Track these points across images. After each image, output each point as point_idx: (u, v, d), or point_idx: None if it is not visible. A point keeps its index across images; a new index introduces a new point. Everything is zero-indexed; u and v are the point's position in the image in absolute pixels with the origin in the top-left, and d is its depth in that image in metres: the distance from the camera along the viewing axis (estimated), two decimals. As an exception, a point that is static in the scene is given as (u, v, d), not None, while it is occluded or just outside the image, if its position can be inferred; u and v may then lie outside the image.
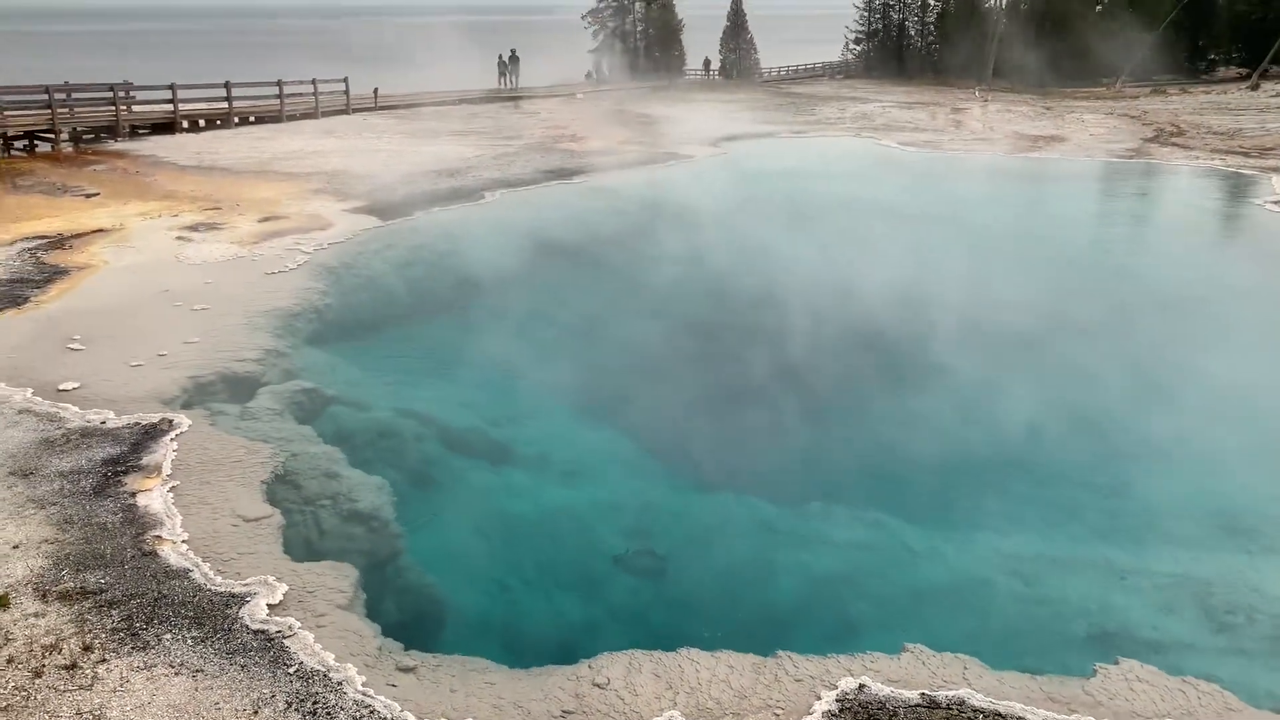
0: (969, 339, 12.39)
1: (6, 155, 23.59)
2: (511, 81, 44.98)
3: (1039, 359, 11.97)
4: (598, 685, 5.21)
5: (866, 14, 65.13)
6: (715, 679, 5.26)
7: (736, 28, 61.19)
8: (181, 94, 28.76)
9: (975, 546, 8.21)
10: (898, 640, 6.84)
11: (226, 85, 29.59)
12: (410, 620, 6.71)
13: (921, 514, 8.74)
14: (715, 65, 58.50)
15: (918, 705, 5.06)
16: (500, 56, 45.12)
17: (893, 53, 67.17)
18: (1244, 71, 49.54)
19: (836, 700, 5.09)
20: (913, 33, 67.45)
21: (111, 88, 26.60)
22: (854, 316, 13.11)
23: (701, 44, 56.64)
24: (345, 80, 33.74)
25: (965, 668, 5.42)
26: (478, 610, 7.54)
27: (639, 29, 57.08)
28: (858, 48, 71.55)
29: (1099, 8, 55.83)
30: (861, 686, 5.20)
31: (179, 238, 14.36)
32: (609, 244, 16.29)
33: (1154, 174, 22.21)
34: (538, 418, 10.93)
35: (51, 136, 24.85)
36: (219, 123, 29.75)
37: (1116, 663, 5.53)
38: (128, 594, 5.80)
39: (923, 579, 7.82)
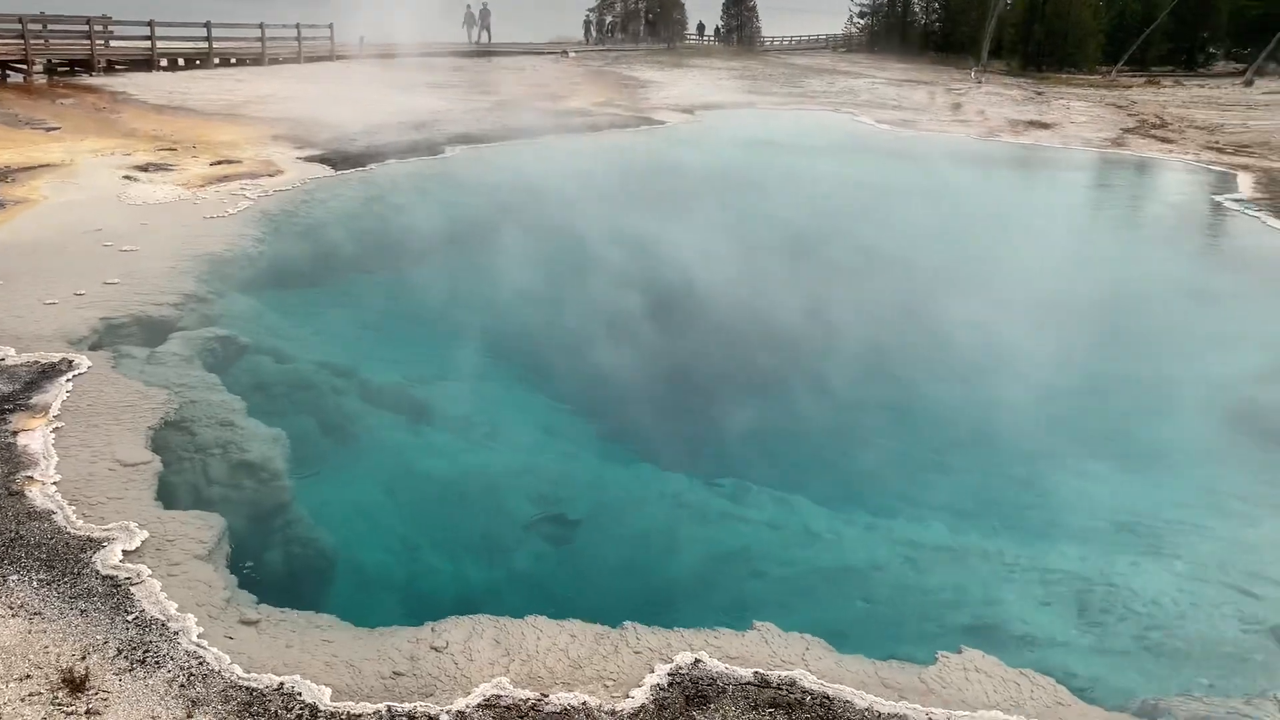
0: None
1: (-25, 84, 23.34)
2: (479, 36, 42.97)
3: (957, 348, 11.86)
4: (435, 649, 5.20)
5: (872, -13, 64.48)
6: (555, 647, 5.26)
7: (740, -7, 60.67)
8: (161, 32, 28.43)
9: (877, 532, 8.20)
10: (764, 617, 6.88)
11: (207, 25, 29.27)
12: (280, 575, 6.69)
13: (833, 498, 8.72)
14: (709, 31, 57.92)
15: (748, 683, 5.06)
16: (468, 7, 43.08)
17: (896, 28, 66.76)
18: (1241, 67, 49.23)
19: (669, 674, 5.08)
20: (917, 9, 66.92)
21: (88, 20, 26.23)
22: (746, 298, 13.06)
23: (704, 8, 56.04)
24: (330, 26, 33.38)
25: (807, 649, 5.41)
26: (366, 568, 7.51)
27: (639, -11, 56.55)
28: (862, 21, 71.04)
29: (1102, -7, 55.43)
30: (697, 661, 5.19)
31: (126, 177, 14.22)
32: (553, 206, 16.04)
33: (1121, 165, 22.05)
34: (465, 379, 10.86)
35: (24, 68, 24.52)
36: (198, 63, 29.46)
37: (960, 652, 5.53)
38: (-17, 533, 5.78)
39: (816, 560, 7.82)
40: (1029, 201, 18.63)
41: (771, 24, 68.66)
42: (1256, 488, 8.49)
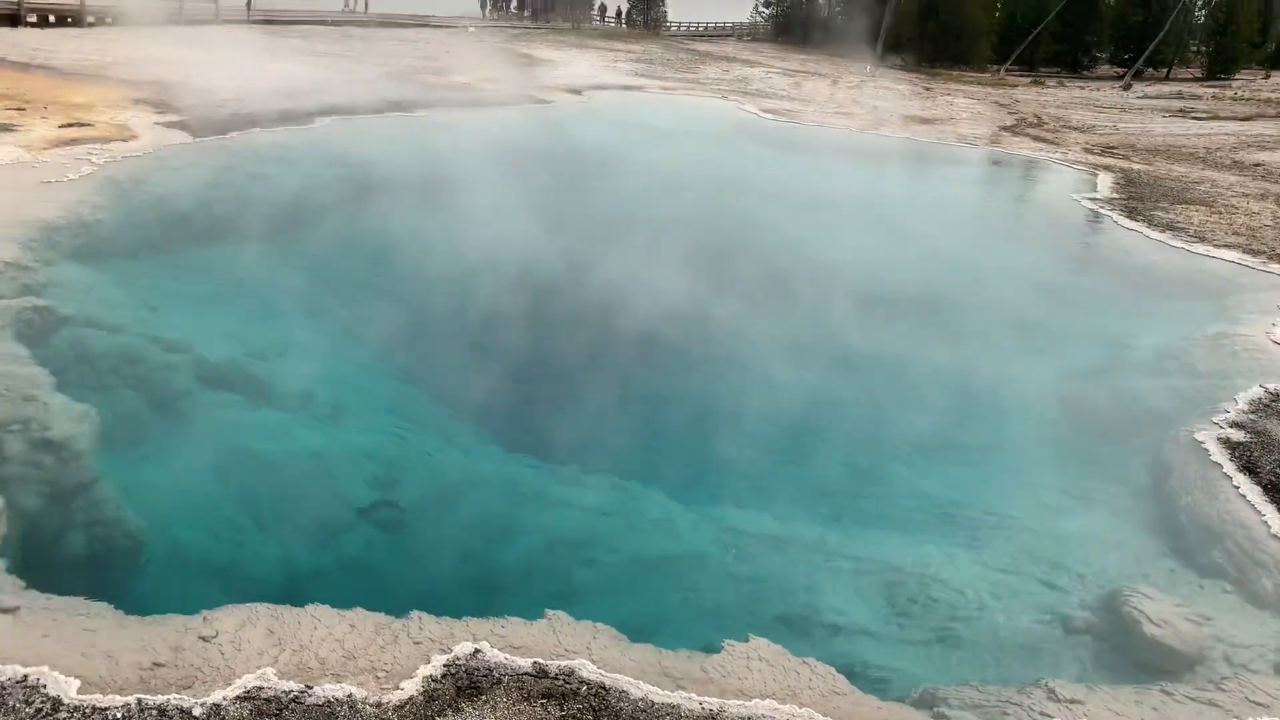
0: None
1: None
2: (355, 4, 41.26)
3: (799, 334, 11.94)
4: (203, 638, 4.99)
5: (778, -23, 64.90)
6: (330, 637, 5.09)
7: (646, -24, 60.42)
8: (31, -14, 27.03)
9: (709, 521, 8.17)
10: (577, 604, 6.81)
11: (81, -19, 27.91)
12: (69, 560, 6.39)
13: (670, 485, 8.68)
14: (611, 13, 57.55)
15: (525, 674, 4.97)
16: None
17: (799, 20, 67.34)
18: (1121, 71, 51.00)
19: (444, 665, 4.96)
20: (821, 1, 67.59)
21: (-53, -29, 24.80)
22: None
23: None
24: (217, -12, 32.18)
25: (594, 638, 5.35)
26: (179, 552, 7.22)
27: (545, -34, 55.87)
28: (767, 10, 71.47)
29: (995, -7, 56.83)
30: (476, 652, 5.09)
31: (-38, 137, 13.43)
32: (408, 183, 15.64)
33: (989, 163, 22.54)
34: (308, 356, 10.52)
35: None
36: (69, 21, 28.08)
37: (746, 640, 5.53)
38: None
39: (642, 547, 7.78)
40: (879, 193, 18.77)
41: (680, 9, 68.66)
42: (1076, 481, 8.71)
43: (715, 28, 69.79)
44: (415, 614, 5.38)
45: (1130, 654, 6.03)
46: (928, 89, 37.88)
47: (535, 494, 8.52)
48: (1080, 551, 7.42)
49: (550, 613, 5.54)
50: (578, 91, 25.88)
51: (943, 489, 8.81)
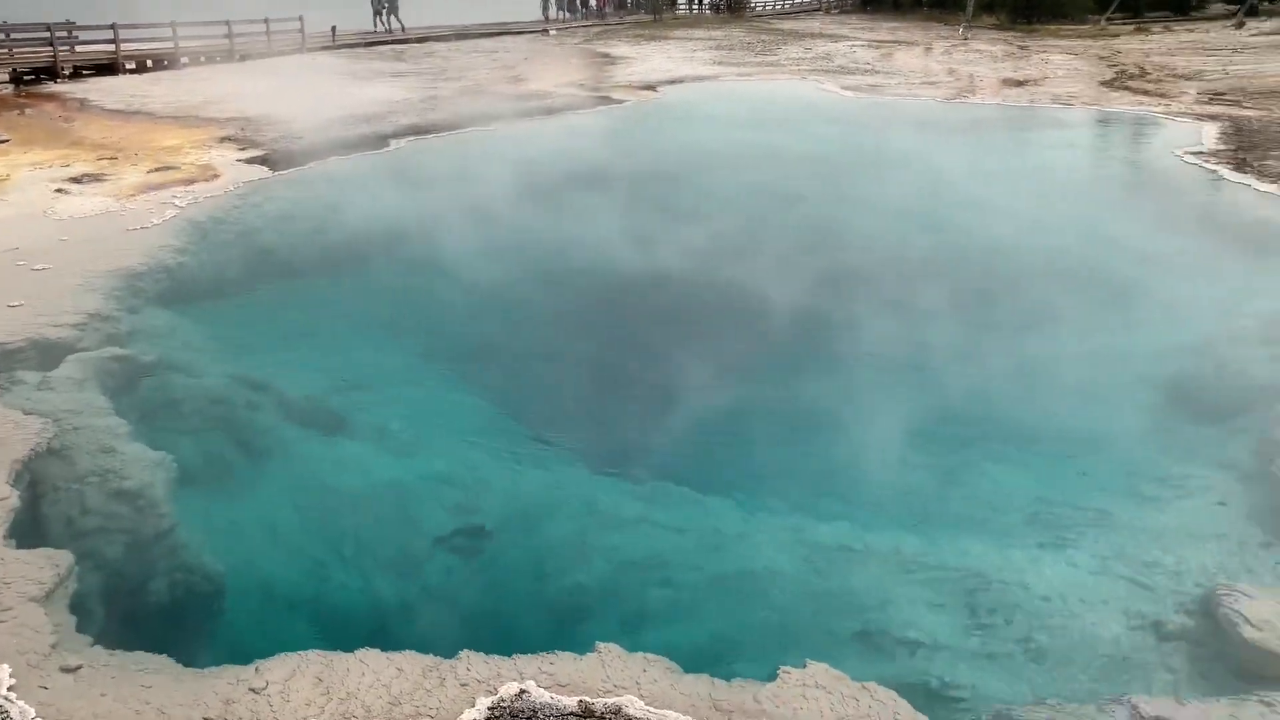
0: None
1: (-64, 98, 23.30)
2: (389, 23, 39.06)
3: (865, 323, 11.52)
4: (254, 690, 5.06)
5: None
6: (377, 683, 5.10)
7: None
8: (126, 34, 28.25)
9: (784, 533, 7.94)
10: (647, 630, 6.72)
11: (172, 25, 29.04)
12: (140, 612, 6.56)
13: (749, 496, 8.51)
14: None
15: (570, 713, 4.89)
16: None
17: (888, -15, 65.68)
18: (1234, 8, 48.16)
19: (489, 707, 4.92)
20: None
21: (48, 27, 26.09)
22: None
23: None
24: (300, 19, 33.06)
25: (644, 670, 5.24)
26: (264, 593, 7.41)
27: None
28: (853, -20, 69.91)
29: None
30: (522, 692, 5.03)
31: (58, 190, 14.06)
32: (486, 200, 15.66)
33: (1083, 122, 21.45)
34: (389, 386, 10.67)
35: (-12, 79, 24.49)
36: (165, 64, 29.25)
37: (804, 666, 5.33)
38: None
39: (719, 565, 7.61)
40: (956, 170, 17.92)
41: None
42: (1174, 468, 8.21)
43: (801, 3, 68.65)
44: (464, 654, 5.35)
45: (1227, 661, 5.61)
46: (1023, 48, 36.45)
47: (612, 515, 8.36)
48: (1178, 547, 6.97)
49: (601, 645, 5.45)
50: (652, 87, 25.74)
51: (1033, 484, 8.40)
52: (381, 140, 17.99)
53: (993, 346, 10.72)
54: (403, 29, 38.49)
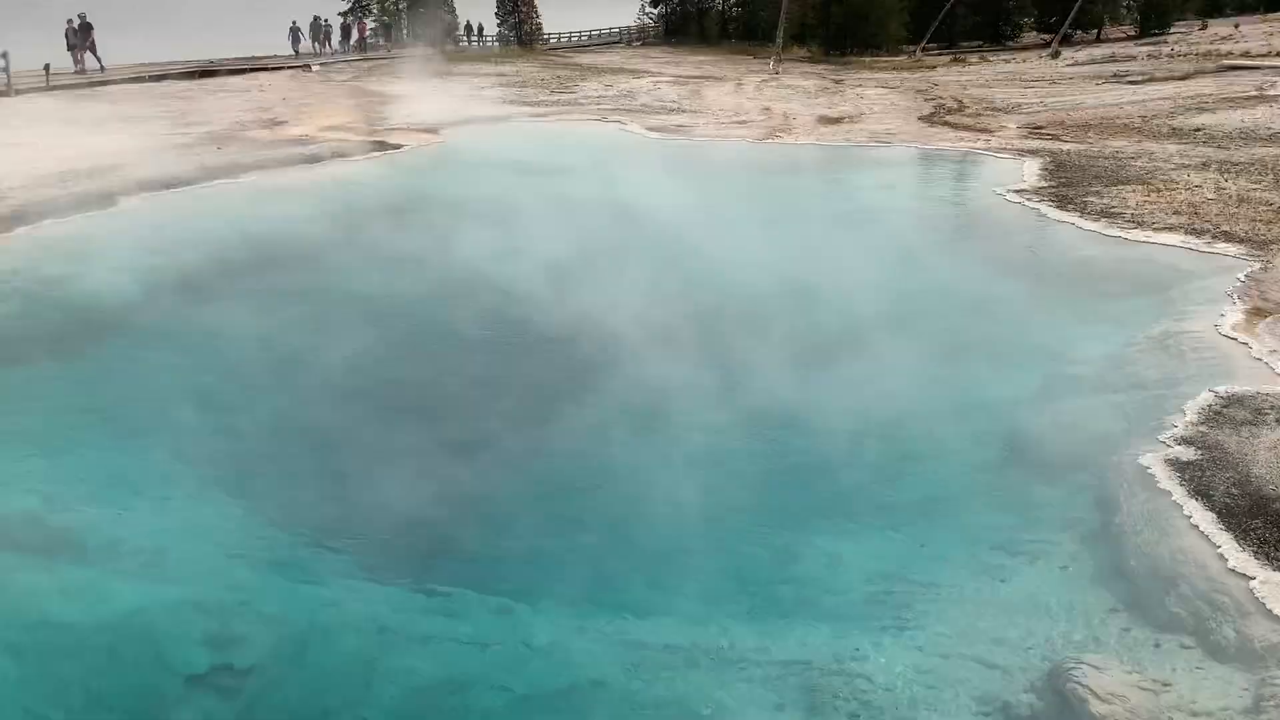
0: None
1: None
2: (84, 62, 37.33)
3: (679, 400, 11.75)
4: None
5: (665, -27, 65.78)
6: None
7: (515, -12, 60.95)
8: None
9: (602, 636, 7.85)
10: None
11: None
12: None
13: (561, 597, 8.35)
14: (489, 31, 57.75)
15: None
16: (69, 23, 37.32)
17: (692, 17, 68.21)
18: (1048, 38, 52.58)
19: None
20: (713, -7, 68.39)
21: None
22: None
23: (477, 5, 55.92)
24: (4, 55, 31.40)
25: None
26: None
27: (400, -14, 55.99)
28: (655, 10, 72.33)
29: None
30: None
31: None
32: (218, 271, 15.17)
33: (900, 161, 22.75)
34: (132, 492, 10.04)
35: None
36: None
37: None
38: None
39: (530, 683, 7.44)
40: (762, 216, 18.57)
41: (556, 20, 69.07)
42: (1014, 533, 8.57)
43: (599, 35, 70.50)
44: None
45: (1079, 741, 5.89)
46: (837, 81, 38.55)
47: (402, 632, 8.04)
48: (1024, 620, 7.28)
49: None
50: (434, 131, 25.76)
51: (869, 559, 8.60)
52: (107, 198, 17.21)
53: (816, 407, 11.03)
54: (101, 68, 36.69)
